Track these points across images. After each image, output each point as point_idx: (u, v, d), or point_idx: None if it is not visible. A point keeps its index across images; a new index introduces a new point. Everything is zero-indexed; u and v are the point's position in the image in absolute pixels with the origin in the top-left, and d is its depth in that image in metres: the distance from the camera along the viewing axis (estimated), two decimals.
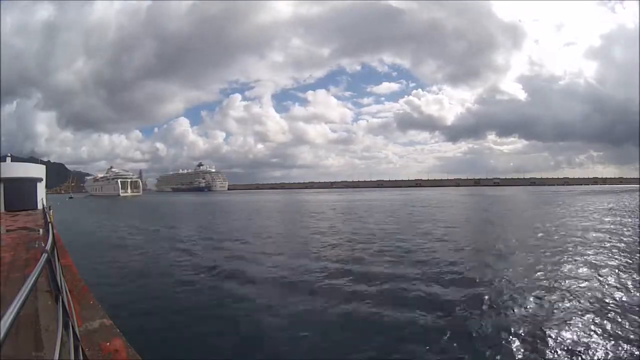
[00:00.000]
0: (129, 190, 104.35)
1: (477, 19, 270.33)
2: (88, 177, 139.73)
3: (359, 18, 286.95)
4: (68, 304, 2.98)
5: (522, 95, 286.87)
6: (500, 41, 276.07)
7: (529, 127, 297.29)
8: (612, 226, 17.61)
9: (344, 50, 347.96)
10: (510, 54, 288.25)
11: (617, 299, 6.97)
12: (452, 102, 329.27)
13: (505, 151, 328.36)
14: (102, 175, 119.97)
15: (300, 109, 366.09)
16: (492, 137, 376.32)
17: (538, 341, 5.31)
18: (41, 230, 8.77)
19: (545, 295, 7.32)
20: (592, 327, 5.69)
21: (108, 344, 2.88)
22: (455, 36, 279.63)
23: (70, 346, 2.28)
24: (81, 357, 2.38)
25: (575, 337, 5.39)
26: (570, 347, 5.09)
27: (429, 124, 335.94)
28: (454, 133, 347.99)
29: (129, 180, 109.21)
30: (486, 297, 7.34)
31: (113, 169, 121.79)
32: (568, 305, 6.75)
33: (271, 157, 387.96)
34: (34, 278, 1.80)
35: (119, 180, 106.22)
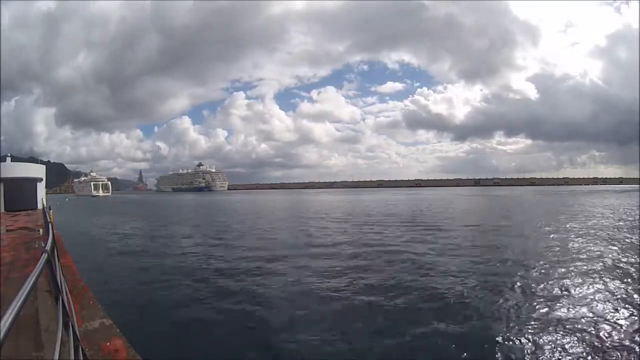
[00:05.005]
0: (100, 191, 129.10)
1: (495, 15, 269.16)
2: (75, 180, 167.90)
3: (377, 13, 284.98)
4: (68, 304, 2.98)
5: (533, 94, 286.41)
6: (519, 39, 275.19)
7: (536, 127, 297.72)
8: None
9: (359, 46, 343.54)
10: (527, 52, 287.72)
11: None
12: (459, 101, 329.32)
13: (508, 151, 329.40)
14: (84, 179, 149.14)
15: (307, 107, 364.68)
16: (499, 137, 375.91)
17: None
18: (41, 230, 8.78)
19: None
20: None
21: (108, 343, 2.88)
22: (474, 32, 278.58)
23: (70, 346, 2.28)
24: (81, 357, 2.38)
25: None
26: None
27: (438, 123, 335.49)
28: (462, 132, 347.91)
29: (101, 183, 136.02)
30: None
31: (92, 173, 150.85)
32: None
33: (275, 156, 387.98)
34: (34, 278, 1.80)
35: (92, 183, 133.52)
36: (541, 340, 5.47)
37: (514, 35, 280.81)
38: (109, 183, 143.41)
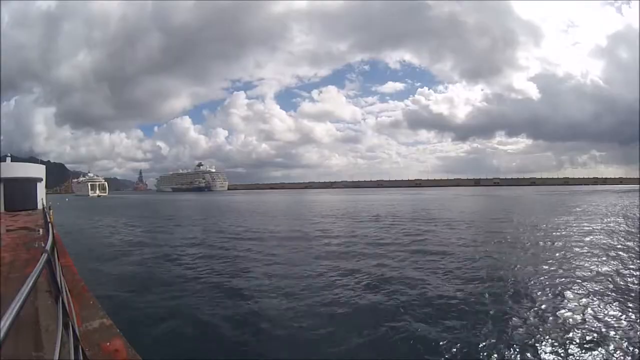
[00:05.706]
0: (97, 191, 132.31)
1: (498, 15, 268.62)
2: (74, 180, 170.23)
3: (379, 12, 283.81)
4: (68, 304, 2.98)
5: (534, 94, 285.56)
6: (521, 39, 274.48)
7: (537, 127, 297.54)
8: None
9: (360, 45, 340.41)
10: (529, 52, 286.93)
11: None
12: (460, 101, 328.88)
13: (509, 151, 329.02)
14: (82, 179, 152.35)
15: (308, 107, 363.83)
16: (500, 137, 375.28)
17: None
18: (41, 230, 8.77)
19: None
20: None
21: (108, 344, 2.88)
22: (476, 32, 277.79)
23: (70, 346, 2.28)
24: (81, 357, 2.37)
25: None
26: None
27: (439, 123, 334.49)
28: (462, 132, 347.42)
29: (97, 183, 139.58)
30: None
31: (89, 174, 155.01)
32: None
33: (275, 156, 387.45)
34: (34, 278, 1.80)
35: (88, 184, 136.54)
36: (541, 338, 5.48)
37: (516, 35, 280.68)
38: (106, 183, 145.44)
